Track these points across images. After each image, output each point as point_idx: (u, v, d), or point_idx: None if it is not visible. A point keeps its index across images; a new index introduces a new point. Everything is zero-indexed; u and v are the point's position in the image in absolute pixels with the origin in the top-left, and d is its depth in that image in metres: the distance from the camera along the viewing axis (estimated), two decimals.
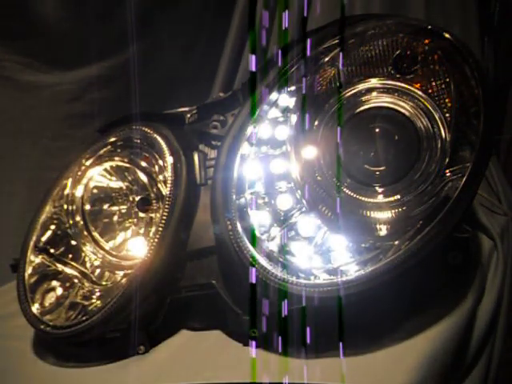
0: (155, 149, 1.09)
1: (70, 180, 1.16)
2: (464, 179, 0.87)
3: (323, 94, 1.01)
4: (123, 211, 1.16)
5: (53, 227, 1.15)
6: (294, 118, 1.01)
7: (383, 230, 0.96)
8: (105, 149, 1.16)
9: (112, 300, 1.00)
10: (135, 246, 1.11)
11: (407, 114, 0.97)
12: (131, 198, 1.15)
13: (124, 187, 1.16)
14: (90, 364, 1.01)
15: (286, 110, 1.02)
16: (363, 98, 1.00)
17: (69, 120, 1.50)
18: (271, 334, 0.91)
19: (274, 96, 1.02)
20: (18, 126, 1.48)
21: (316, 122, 1.01)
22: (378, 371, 0.86)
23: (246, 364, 0.90)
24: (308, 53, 0.99)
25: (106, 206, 1.16)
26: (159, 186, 1.10)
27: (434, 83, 0.96)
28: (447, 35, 0.92)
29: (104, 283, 1.10)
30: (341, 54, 0.99)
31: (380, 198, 0.98)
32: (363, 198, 0.98)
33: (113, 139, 1.15)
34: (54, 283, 1.11)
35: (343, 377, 0.85)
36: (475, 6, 1.27)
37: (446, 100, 0.95)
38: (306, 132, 1.00)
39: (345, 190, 0.99)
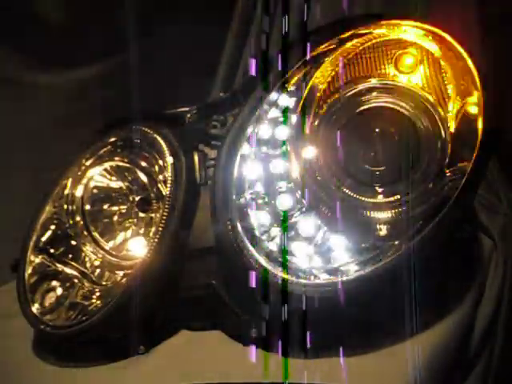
0: (155, 149, 1.09)
1: (70, 180, 1.15)
2: (464, 179, 0.87)
3: (323, 94, 1.01)
4: (123, 211, 1.16)
5: (53, 227, 1.15)
6: (293, 118, 1.01)
7: (383, 230, 0.96)
8: (105, 149, 1.15)
9: (112, 300, 1.00)
10: (135, 246, 1.11)
11: (407, 113, 0.97)
12: (131, 198, 1.15)
13: (124, 187, 1.16)
14: (90, 364, 1.01)
15: (286, 110, 1.02)
16: (363, 98, 1.00)
17: (69, 120, 1.50)
18: (271, 334, 0.91)
19: (274, 96, 1.02)
20: (18, 126, 1.48)
21: (316, 122, 1.01)
22: (377, 371, 0.86)
23: (245, 364, 0.90)
24: (308, 53, 0.99)
25: (106, 206, 1.16)
26: (159, 185, 1.10)
27: (433, 83, 0.96)
28: (447, 35, 0.92)
29: (104, 283, 1.10)
30: (341, 53, 0.99)
31: (380, 198, 0.98)
32: (363, 198, 0.98)
33: (113, 139, 1.15)
34: (54, 283, 1.11)
35: (343, 377, 0.85)
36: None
37: (446, 100, 0.96)
38: (306, 132, 1.00)
39: (345, 189, 0.99)
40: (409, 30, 0.96)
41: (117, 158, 1.15)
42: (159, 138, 1.08)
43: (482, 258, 1.02)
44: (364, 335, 0.89)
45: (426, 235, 0.86)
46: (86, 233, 1.14)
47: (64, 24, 1.45)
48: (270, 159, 1.02)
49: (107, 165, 1.15)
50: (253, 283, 0.92)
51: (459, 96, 0.94)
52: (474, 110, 0.91)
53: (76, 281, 1.11)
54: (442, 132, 0.95)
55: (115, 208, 1.16)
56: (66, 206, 1.15)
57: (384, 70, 0.99)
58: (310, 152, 1.00)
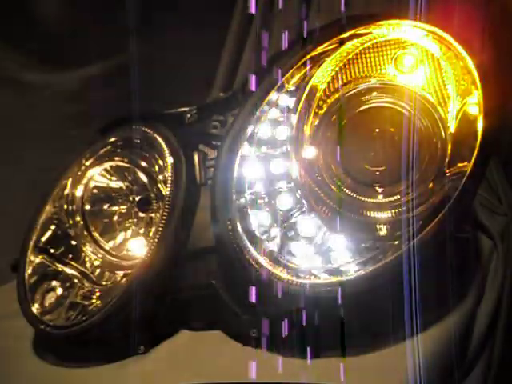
0: (155, 149, 1.09)
1: (70, 180, 1.16)
2: (464, 179, 0.87)
3: (323, 94, 1.01)
4: (123, 211, 1.16)
5: (53, 227, 1.15)
6: (293, 118, 1.01)
7: (383, 230, 0.96)
8: (105, 149, 1.16)
9: (112, 300, 1.00)
10: (135, 246, 1.12)
11: (407, 113, 0.97)
12: (131, 198, 1.15)
13: (124, 187, 1.16)
14: (90, 364, 1.01)
15: (285, 110, 1.02)
16: (363, 98, 1.00)
17: (69, 120, 1.50)
18: (271, 334, 0.91)
19: (274, 96, 1.02)
20: (18, 126, 1.48)
21: (316, 122, 1.01)
22: (377, 371, 0.86)
23: (245, 364, 0.90)
24: (308, 53, 0.99)
25: (106, 206, 1.16)
26: (159, 185, 1.10)
27: (433, 83, 0.96)
28: (447, 35, 0.92)
29: (104, 283, 1.11)
30: (341, 53, 0.99)
31: (380, 198, 0.98)
32: (363, 198, 0.98)
33: (113, 139, 1.15)
34: (54, 283, 1.11)
35: (343, 377, 0.85)
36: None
37: (446, 100, 0.95)
38: (306, 132, 1.00)
39: (345, 189, 0.99)
40: (409, 30, 0.96)
41: (117, 158, 1.15)
42: (159, 138, 1.08)
43: (481, 258, 1.02)
44: (364, 335, 0.89)
45: (426, 235, 0.86)
46: (86, 233, 1.14)
47: (64, 24, 1.45)
48: (270, 159, 1.02)
49: (107, 165, 1.15)
50: (253, 283, 0.92)
51: (459, 96, 0.94)
52: (474, 110, 0.91)
53: (76, 281, 1.11)
54: (442, 132, 0.95)
55: (115, 208, 1.16)
56: (66, 206, 1.15)
57: (384, 70, 0.99)
58: (310, 152, 1.00)
